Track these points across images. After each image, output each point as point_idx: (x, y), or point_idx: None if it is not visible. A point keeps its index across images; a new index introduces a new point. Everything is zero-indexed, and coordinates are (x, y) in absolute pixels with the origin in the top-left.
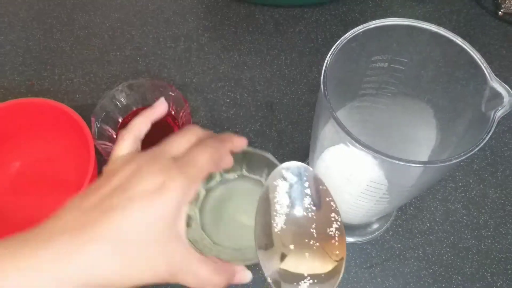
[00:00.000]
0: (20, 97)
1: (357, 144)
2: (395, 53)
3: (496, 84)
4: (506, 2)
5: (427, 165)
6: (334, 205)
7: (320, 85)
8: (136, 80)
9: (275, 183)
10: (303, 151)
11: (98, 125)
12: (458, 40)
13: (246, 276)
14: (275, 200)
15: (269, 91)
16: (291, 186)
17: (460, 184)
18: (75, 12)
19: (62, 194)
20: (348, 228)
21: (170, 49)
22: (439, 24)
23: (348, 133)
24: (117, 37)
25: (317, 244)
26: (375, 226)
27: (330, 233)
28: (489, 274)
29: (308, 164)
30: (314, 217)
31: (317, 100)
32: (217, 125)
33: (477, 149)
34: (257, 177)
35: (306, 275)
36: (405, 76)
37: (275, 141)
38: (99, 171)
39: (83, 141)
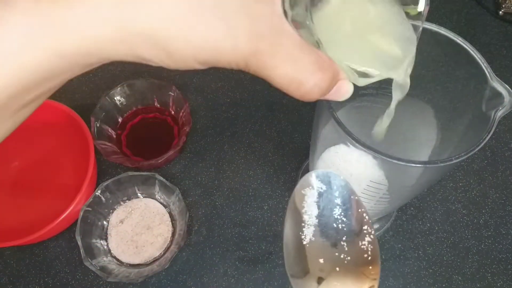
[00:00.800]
0: None
1: (357, 144)
2: None
3: (497, 84)
4: (507, 2)
5: (427, 165)
6: (366, 217)
7: None
8: (136, 80)
9: (303, 192)
10: (303, 151)
11: (98, 125)
12: (459, 40)
13: (349, 87)
14: (303, 210)
15: (269, 91)
16: (320, 195)
17: (461, 184)
18: None
19: (61, 194)
20: None
21: None
22: (439, 23)
23: (348, 133)
24: None
25: (348, 258)
26: (375, 226)
27: (363, 247)
28: (489, 274)
29: (308, 164)
30: (345, 229)
31: (317, 101)
32: (217, 125)
33: (477, 149)
34: None
35: None
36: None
37: (275, 141)
38: (98, 171)
39: (83, 141)
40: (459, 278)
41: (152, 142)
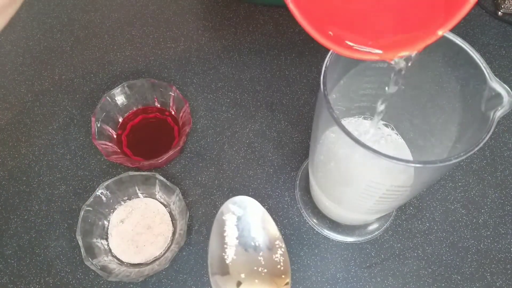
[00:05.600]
0: (20, 97)
1: (356, 144)
2: None
3: (496, 84)
4: (506, 2)
5: (427, 165)
6: (277, 234)
7: (320, 85)
8: (136, 80)
9: (223, 217)
10: (303, 151)
11: (98, 125)
12: (458, 40)
13: None
14: (225, 234)
15: (269, 91)
16: (239, 219)
17: (460, 184)
18: (75, 12)
19: None
20: (347, 228)
21: (170, 49)
22: None
23: (348, 133)
24: (117, 37)
25: (265, 270)
26: (375, 226)
27: (276, 259)
28: (488, 274)
29: (307, 164)
30: (261, 245)
31: (317, 100)
32: (217, 125)
33: (476, 149)
34: None
35: None
36: (405, 76)
37: (275, 141)
38: (99, 171)
39: None
40: (458, 277)
41: (152, 142)
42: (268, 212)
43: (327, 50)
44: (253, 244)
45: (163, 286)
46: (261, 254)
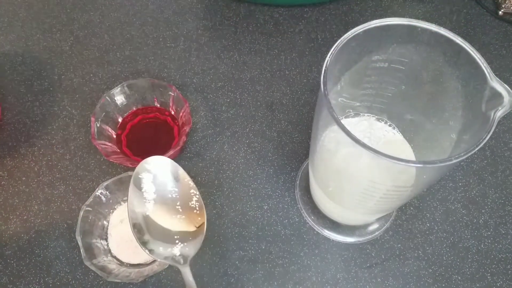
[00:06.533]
0: (19, 97)
1: (357, 144)
2: (395, 53)
3: (496, 84)
4: (506, 2)
5: (427, 165)
6: (191, 183)
7: (320, 85)
8: (136, 80)
9: (140, 176)
10: (303, 151)
11: (98, 125)
12: (458, 40)
13: None
14: (143, 190)
15: (269, 91)
16: (155, 176)
17: (460, 184)
18: (74, 12)
19: None
20: (347, 228)
21: (170, 49)
22: (439, 23)
23: (348, 133)
24: (117, 37)
25: (183, 216)
26: (375, 226)
27: (192, 205)
28: (489, 274)
29: (307, 163)
30: (177, 196)
31: (317, 100)
32: (217, 125)
33: (477, 149)
34: None
35: (177, 241)
36: (405, 76)
37: (275, 141)
38: (99, 171)
39: None
40: (459, 277)
41: (152, 142)
42: (268, 212)
43: (327, 50)
44: (170, 196)
45: (163, 286)
46: (178, 204)
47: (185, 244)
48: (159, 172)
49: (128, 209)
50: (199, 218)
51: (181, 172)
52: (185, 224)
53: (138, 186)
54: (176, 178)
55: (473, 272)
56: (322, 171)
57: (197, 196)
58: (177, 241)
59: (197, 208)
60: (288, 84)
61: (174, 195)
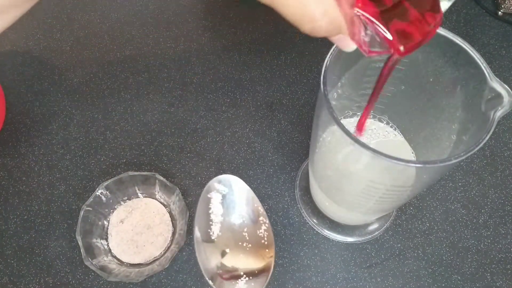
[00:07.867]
0: (19, 97)
1: (356, 144)
2: None
3: (496, 84)
4: (506, 2)
5: (427, 165)
6: (261, 210)
7: (320, 85)
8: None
9: (208, 195)
10: (303, 151)
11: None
12: (458, 40)
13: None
14: (210, 211)
15: (269, 91)
16: (224, 197)
17: (460, 184)
18: (75, 12)
19: None
20: (347, 228)
21: (170, 49)
22: None
23: (347, 133)
24: (117, 37)
25: (250, 245)
26: (375, 226)
27: (260, 234)
28: (488, 274)
29: (307, 163)
30: (245, 221)
31: (317, 100)
32: (217, 125)
33: (476, 149)
34: None
35: (242, 274)
36: (405, 76)
37: (275, 141)
38: (99, 171)
39: None
40: (458, 277)
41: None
42: (268, 212)
43: (327, 50)
44: (238, 221)
45: (163, 286)
46: (245, 230)
47: (250, 279)
48: (228, 192)
49: (194, 232)
50: (267, 250)
51: (252, 195)
52: (251, 255)
53: (206, 206)
54: (246, 202)
55: (472, 272)
56: (322, 171)
57: (267, 224)
58: (243, 276)
59: (266, 238)
60: (288, 84)
61: (242, 220)
